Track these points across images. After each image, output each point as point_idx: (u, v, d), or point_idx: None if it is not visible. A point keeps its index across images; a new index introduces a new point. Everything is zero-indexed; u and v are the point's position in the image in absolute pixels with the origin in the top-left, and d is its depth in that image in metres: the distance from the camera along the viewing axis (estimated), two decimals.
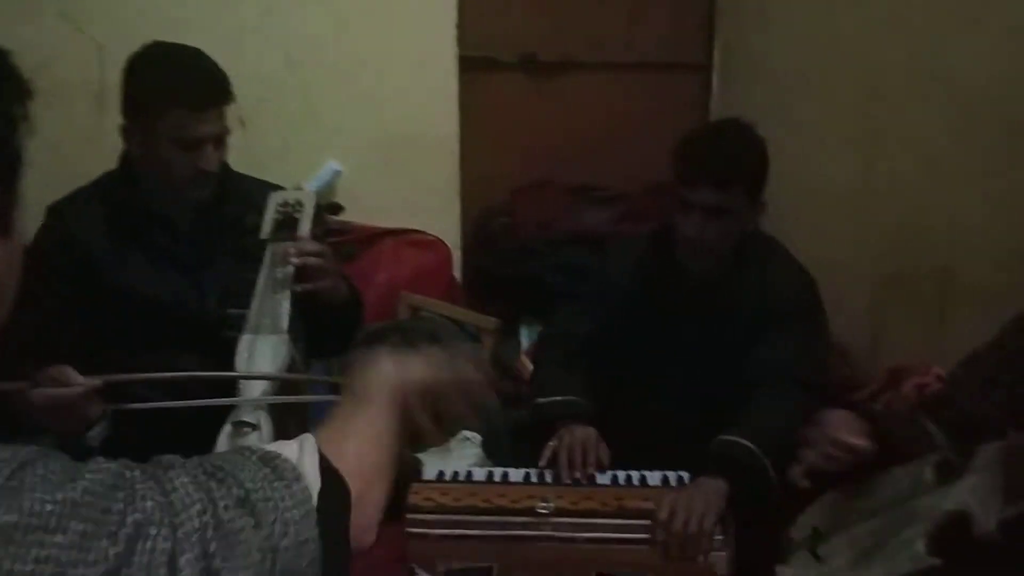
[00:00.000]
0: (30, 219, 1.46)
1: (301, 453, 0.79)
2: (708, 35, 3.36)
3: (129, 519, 0.63)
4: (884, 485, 1.42)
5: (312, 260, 1.74)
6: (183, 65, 1.77)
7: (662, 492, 1.69)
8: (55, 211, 1.85)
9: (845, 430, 1.46)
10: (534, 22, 3.30)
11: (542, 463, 1.84)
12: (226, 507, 0.69)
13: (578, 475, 1.80)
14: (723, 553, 1.58)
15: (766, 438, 1.70)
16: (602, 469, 1.82)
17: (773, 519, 1.63)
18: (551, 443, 1.87)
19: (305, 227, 1.78)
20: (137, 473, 0.68)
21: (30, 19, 2.78)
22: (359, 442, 0.87)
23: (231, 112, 1.81)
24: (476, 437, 2.52)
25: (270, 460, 0.77)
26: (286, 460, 0.77)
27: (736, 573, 1.59)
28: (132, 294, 1.80)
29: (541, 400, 1.98)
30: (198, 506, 0.68)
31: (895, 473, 1.42)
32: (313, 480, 0.77)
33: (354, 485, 0.82)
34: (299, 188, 2.02)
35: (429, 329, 2.86)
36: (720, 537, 1.60)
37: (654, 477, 1.80)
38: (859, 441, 1.45)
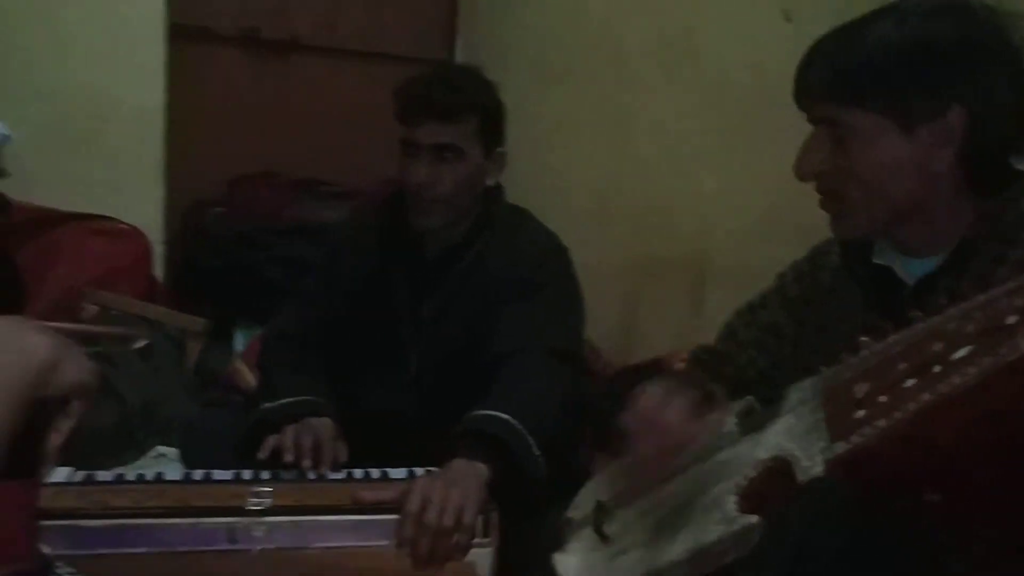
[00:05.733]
0: None
1: None
2: (450, 28, 3.19)
3: None
4: None
5: None
6: None
7: (408, 483, 1.36)
8: None
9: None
10: None
11: (262, 454, 1.47)
12: None
13: (307, 463, 1.45)
14: (486, 550, 1.27)
15: (525, 410, 1.43)
16: (336, 467, 1.49)
17: (543, 509, 1.36)
18: (275, 435, 1.51)
19: None
20: None
21: None
22: None
23: None
24: (172, 452, 2.07)
25: None
26: None
27: (503, 573, 1.28)
28: None
29: (268, 405, 1.62)
30: None
31: None
32: None
33: None
34: None
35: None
36: (485, 539, 1.29)
37: (398, 472, 1.48)
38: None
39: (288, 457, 1.45)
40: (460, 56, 3.15)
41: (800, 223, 1.22)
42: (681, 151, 2.26)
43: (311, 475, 1.45)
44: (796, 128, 1.14)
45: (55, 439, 0.76)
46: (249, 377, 2.38)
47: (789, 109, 1.15)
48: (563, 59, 2.66)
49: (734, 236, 2.12)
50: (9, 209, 2.34)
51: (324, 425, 1.54)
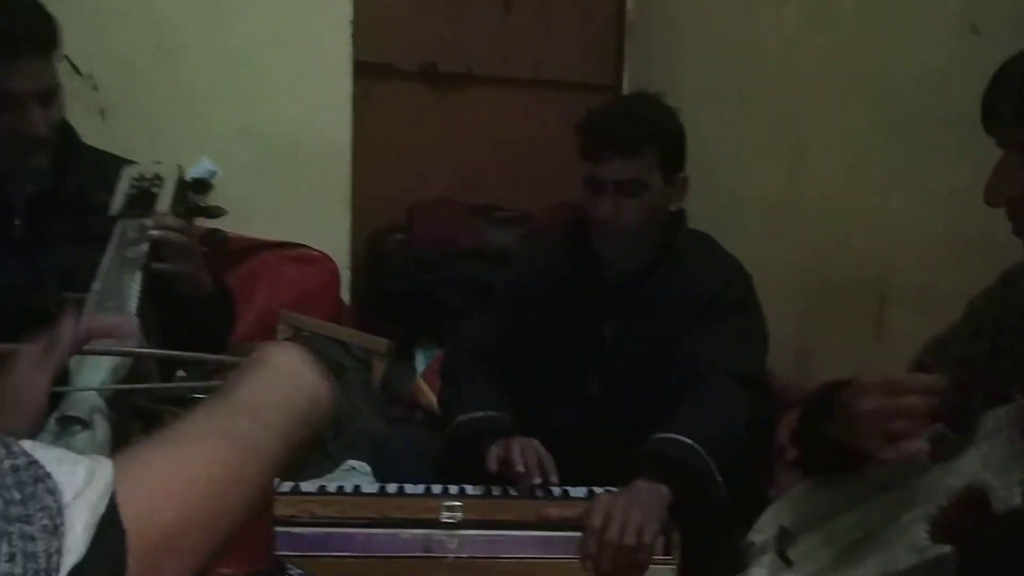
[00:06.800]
0: None
1: (85, 487, 0.51)
2: (618, 55, 3.24)
3: None
4: (865, 470, 1.18)
5: (171, 235, 1.47)
6: None
7: (591, 501, 1.41)
8: None
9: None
10: (436, 30, 3.11)
11: (491, 465, 1.53)
12: None
13: (538, 480, 1.51)
14: (668, 568, 1.30)
15: (707, 435, 1.45)
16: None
17: (723, 531, 1.37)
18: (496, 447, 1.57)
19: (164, 203, 1.54)
20: None
21: None
22: (195, 469, 0.60)
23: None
24: (364, 466, 2.19)
25: (26, 481, 0.49)
26: (51, 493, 0.50)
27: None
28: None
29: (462, 417, 1.70)
30: None
31: None
32: (74, 541, 0.49)
33: (153, 534, 0.54)
34: (158, 162, 1.73)
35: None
36: (667, 557, 1.32)
37: (578, 491, 1.53)
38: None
39: (519, 468, 1.51)
40: (629, 80, 3.19)
41: (987, 242, 1.19)
42: (860, 169, 2.21)
43: (539, 492, 1.50)
44: (984, 144, 1.11)
45: None
46: (430, 395, 2.49)
47: (976, 124, 1.12)
48: (734, 78, 2.65)
49: (917, 256, 2.05)
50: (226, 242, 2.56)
51: (537, 444, 1.59)
